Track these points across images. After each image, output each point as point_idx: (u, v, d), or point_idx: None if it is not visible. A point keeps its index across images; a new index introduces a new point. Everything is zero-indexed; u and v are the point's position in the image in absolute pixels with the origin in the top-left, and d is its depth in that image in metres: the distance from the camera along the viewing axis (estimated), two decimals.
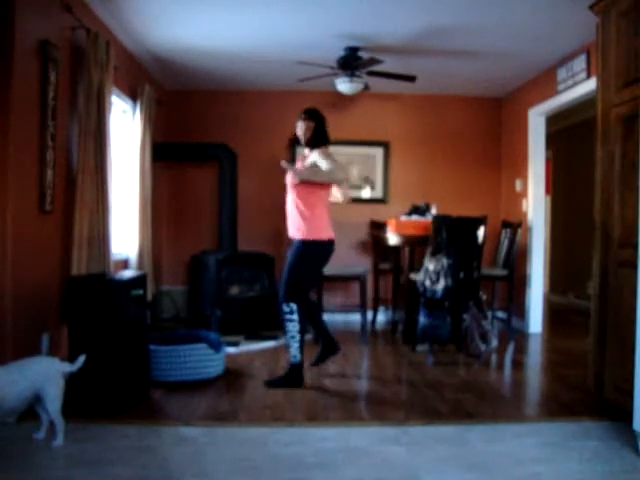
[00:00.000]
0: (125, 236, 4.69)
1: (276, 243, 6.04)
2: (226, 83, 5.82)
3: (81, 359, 2.64)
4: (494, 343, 4.13)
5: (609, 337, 2.91)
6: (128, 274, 3.46)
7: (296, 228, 3.65)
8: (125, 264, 4.63)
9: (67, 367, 2.59)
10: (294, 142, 3.86)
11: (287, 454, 2.47)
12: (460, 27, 4.19)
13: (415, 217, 4.98)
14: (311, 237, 3.58)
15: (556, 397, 3.37)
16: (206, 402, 3.19)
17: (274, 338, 4.98)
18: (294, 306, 3.54)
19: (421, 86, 5.67)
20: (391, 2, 3.79)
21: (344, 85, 4.84)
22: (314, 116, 3.64)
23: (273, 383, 3.51)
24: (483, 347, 4.08)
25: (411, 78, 4.94)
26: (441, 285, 4.14)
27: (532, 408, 3.28)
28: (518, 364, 4.34)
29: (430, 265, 4.22)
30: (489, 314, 4.87)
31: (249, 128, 6.08)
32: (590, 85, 4.17)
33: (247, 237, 5.96)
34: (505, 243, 5.32)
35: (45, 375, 2.48)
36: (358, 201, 6.13)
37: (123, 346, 3.03)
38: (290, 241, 3.78)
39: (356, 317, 5.86)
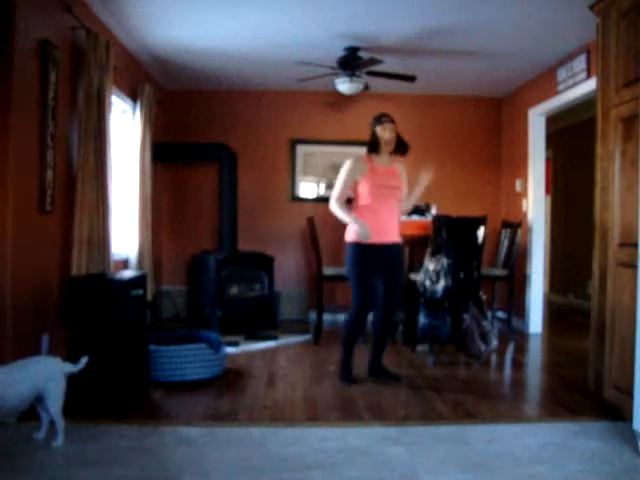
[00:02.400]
0: (125, 236, 4.69)
1: (276, 243, 6.04)
2: (226, 83, 5.82)
3: (83, 361, 2.64)
4: (494, 343, 4.13)
5: (609, 337, 2.91)
6: (128, 274, 3.45)
7: (397, 233, 3.65)
8: (125, 264, 4.63)
9: (69, 367, 2.60)
10: (373, 146, 3.62)
11: (287, 454, 2.47)
12: (460, 27, 4.19)
13: (415, 217, 4.99)
14: None
15: (556, 397, 3.37)
16: (206, 402, 3.19)
17: (274, 338, 4.98)
18: None
19: (421, 86, 5.67)
20: (391, 2, 3.79)
21: (344, 85, 4.84)
22: (393, 120, 3.63)
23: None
24: (483, 347, 4.08)
25: (411, 78, 4.93)
26: (441, 285, 4.14)
27: (532, 408, 3.28)
28: (518, 364, 4.34)
29: (430, 265, 4.22)
30: (489, 314, 4.87)
31: (249, 128, 6.08)
32: (590, 85, 4.17)
33: (247, 237, 5.96)
34: (505, 243, 5.32)
35: (48, 375, 2.48)
36: None
37: (123, 346, 3.02)
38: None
39: None
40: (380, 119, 3.59)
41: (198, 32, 4.37)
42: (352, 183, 3.57)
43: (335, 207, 3.60)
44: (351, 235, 3.56)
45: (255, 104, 6.08)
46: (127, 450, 2.48)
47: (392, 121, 3.60)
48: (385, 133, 3.55)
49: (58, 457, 2.40)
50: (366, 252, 3.51)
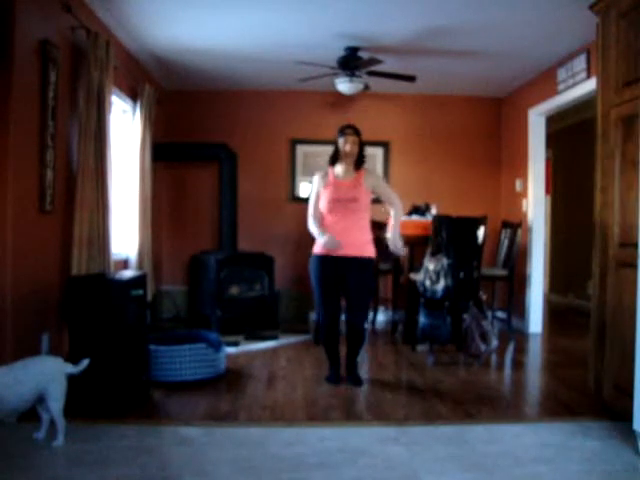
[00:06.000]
0: (125, 236, 4.69)
1: (276, 243, 6.04)
2: (226, 83, 5.82)
3: (85, 362, 2.64)
4: (494, 343, 4.13)
5: (609, 337, 2.91)
6: (128, 274, 3.46)
7: (366, 246, 3.56)
8: (125, 264, 4.63)
9: (70, 368, 2.60)
10: (334, 159, 3.62)
11: (287, 454, 2.47)
12: (460, 27, 4.19)
13: (415, 217, 4.98)
14: (375, 255, 3.63)
15: (556, 397, 3.37)
16: (206, 402, 3.19)
17: (274, 338, 4.98)
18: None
19: (421, 86, 5.67)
20: (391, 2, 3.79)
21: (344, 85, 4.84)
22: (358, 132, 3.58)
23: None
24: (483, 347, 4.07)
25: (411, 78, 4.93)
26: (441, 285, 4.14)
27: (532, 408, 3.28)
28: (518, 364, 4.34)
29: (430, 265, 4.22)
30: (489, 314, 4.87)
31: (249, 128, 6.08)
32: (590, 85, 4.17)
33: (247, 237, 5.96)
34: (505, 243, 5.32)
35: (50, 375, 2.49)
36: None
37: (123, 346, 3.03)
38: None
39: None
40: (343, 131, 3.58)
41: (198, 32, 4.37)
42: (319, 197, 3.62)
43: (311, 224, 3.63)
44: (315, 247, 3.59)
45: (255, 104, 6.08)
46: (127, 450, 2.48)
47: (356, 134, 3.56)
48: (346, 146, 3.53)
49: (58, 457, 2.40)
50: (323, 263, 3.53)
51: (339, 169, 3.62)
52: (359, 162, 3.61)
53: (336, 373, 3.65)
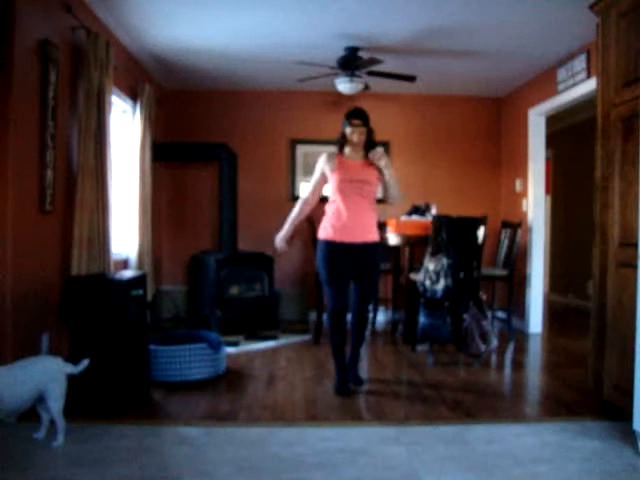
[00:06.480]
0: (125, 236, 4.69)
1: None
2: (226, 83, 5.82)
3: (85, 362, 2.64)
4: (494, 343, 4.13)
5: (609, 337, 2.91)
6: (128, 274, 3.46)
7: (373, 231, 3.51)
8: (125, 264, 4.63)
9: (70, 368, 2.60)
10: (341, 145, 3.52)
11: (287, 454, 2.47)
12: (460, 27, 4.19)
13: (415, 217, 4.98)
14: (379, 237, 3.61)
15: (556, 397, 3.37)
16: (206, 402, 3.19)
17: (274, 338, 4.98)
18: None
19: (421, 86, 5.67)
20: (391, 2, 3.79)
21: (344, 85, 4.84)
22: (366, 120, 3.43)
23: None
24: (483, 347, 4.07)
25: (411, 78, 4.93)
26: (441, 285, 4.14)
27: (532, 408, 3.28)
28: (518, 364, 4.34)
29: (430, 265, 4.22)
30: (489, 314, 4.87)
31: (249, 128, 6.08)
32: (590, 85, 4.18)
33: (247, 237, 5.95)
34: (505, 243, 5.32)
35: (49, 375, 2.49)
36: None
37: (123, 346, 3.03)
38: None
39: None
40: (350, 120, 3.43)
41: (198, 32, 4.37)
42: (322, 179, 3.58)
43: (295, 209, 3.71)
44: (321, 233, 3.55)
45: (255, 104, 6.08)
46: (127, 450, 2.48)
47: (364, 123, 3.42)
48: (353, 136, 3.43)
49: (58, 457, 2.40)
50: (334, 250, 3.44)
51: (347, 151, 3.53)
52: (369, 148, 3.50)
53: (345, 381, 3.48)
